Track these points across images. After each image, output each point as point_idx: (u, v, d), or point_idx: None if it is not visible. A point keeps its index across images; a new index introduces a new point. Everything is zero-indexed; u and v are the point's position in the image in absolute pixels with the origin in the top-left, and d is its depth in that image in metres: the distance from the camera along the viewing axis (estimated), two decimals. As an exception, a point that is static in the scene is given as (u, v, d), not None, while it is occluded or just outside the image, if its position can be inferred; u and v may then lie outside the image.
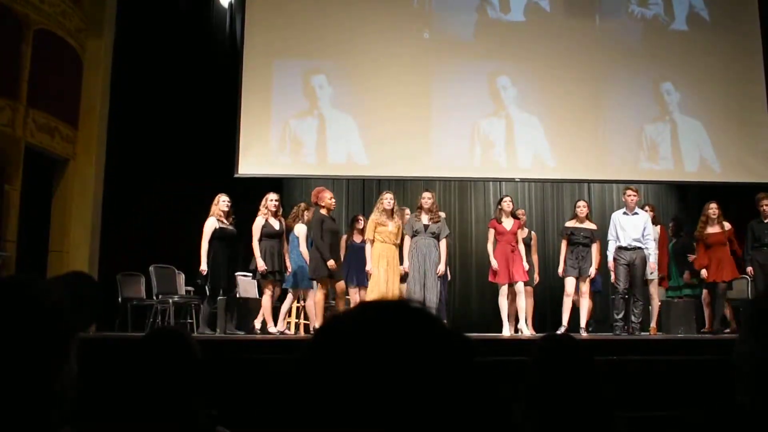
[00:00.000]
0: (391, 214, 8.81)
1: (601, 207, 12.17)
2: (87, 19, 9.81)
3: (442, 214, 9.25)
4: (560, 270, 9.23)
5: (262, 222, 8.69)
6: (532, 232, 10.17)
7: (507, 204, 9.26)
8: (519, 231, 9.29)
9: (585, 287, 9.16)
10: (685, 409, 5.61)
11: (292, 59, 10.84)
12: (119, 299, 9.28)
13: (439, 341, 0.91)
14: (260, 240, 8.65)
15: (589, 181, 11.91)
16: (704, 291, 9.61)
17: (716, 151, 10.99)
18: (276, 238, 8.68)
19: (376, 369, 0.87)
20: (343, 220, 10.94)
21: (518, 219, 9.48)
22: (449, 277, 9.29)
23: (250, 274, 8.91)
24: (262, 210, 8.75)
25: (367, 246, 8.77)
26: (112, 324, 9.10)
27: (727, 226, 9.30)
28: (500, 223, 9.22)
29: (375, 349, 0.88)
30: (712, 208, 9.27)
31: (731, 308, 9.65)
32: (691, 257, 10.02)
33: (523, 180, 11.47)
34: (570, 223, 9.41)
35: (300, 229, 9.05)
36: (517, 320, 9.23)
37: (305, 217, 9.09)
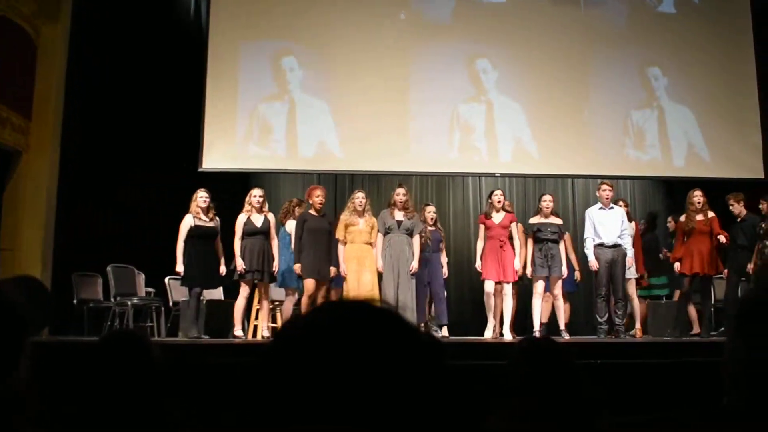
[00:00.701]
0: (362, 212, 8.78)
1: (585, 203, 11.94)
2: (42, 3, 9.56)
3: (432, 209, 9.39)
4: (528, 270, 9.06)
5: (244, 219, 8.67)
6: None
7: (497, 198, 9.15)
8: (514, 225, 9.15)
9: (557, 288, 9.05)
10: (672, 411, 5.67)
11: (261, 41, 10.68)
12: (74, 301, 9.14)
13: (403, 343, 0.91)
14: (242, 238, 8.64)
15: (573, 177, 11.79)
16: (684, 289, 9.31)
17: (705, 138, 10.95)
18: (259, 235, 8.62)
19: (334, 371, 0.86)
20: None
21: (510, 212, 9.33)
22: (446, 275, 9.27)
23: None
24: (246, 206, 8.74)
25: (340, 247, 8.74)
26: (67, 328, 8.91)
27: (711, 214, 9.12)
28: (489, 217, 9.14)
29: (333, 351, 0.87)
30: (697, 196, 9.10)
31: (696, 309, 9.50)
32: (667, 253, 10.11)
33: (503, 175, 11.38)
34: (534, 219, 9.23)
35: (291, 226, 9.04)
36: (501, 323, 9.09)
37: (296, 214, 9.11)
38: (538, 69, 10.89)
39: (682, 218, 9.23)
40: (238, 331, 8.55)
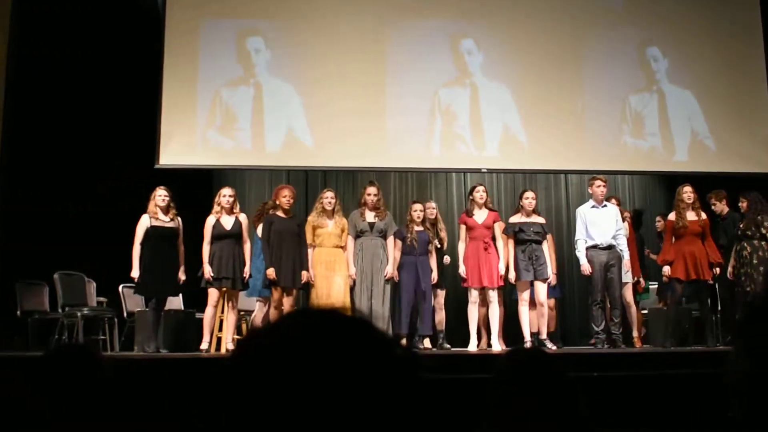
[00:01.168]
0: (331, 213, 8.86)
1: (580, 199, 12.01)
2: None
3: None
4: (511, 275, 8.99)
5: (213, 221, 8.72)
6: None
7: (480, 194, 9.15)
8: (497, 225, 9.13)
9: (543, 293, 9.01)
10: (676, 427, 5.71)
11: (224, 19, 10.59)
12: (18, 312, 9.10)
13: (373, 356, 0.91)
14: (211, 242, 8.67)
15: (567, 172, 11.87)
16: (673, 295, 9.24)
17: (710, 125, 10.93)
18: (229, 239, 8.66)
19: (297, 387, 0.86)
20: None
21: (494, 211, 9.35)
22: (435, 280, 9.21)
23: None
24: (215, 207, 8.78)
25: (309, 251, 8.77)
26: (10, 341, 8.90)
27: (703, 215, 9.14)
28: (471, 216, 9.14)
29: (297, 364, 0.87)
30: (687, 192, 9.10)
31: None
32: (651, 255, 10.14)
33: (491, 171, 11.37)
34: (515, 218, 9.21)
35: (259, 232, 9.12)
36: (489, 333, 9.16)
37: None
38: (527, 50, 10.83)
39: (671, 216, 9.21)
40: (204, 344, 8.58)
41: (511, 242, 9.05)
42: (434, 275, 9.29)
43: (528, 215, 9.13)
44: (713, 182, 10.21)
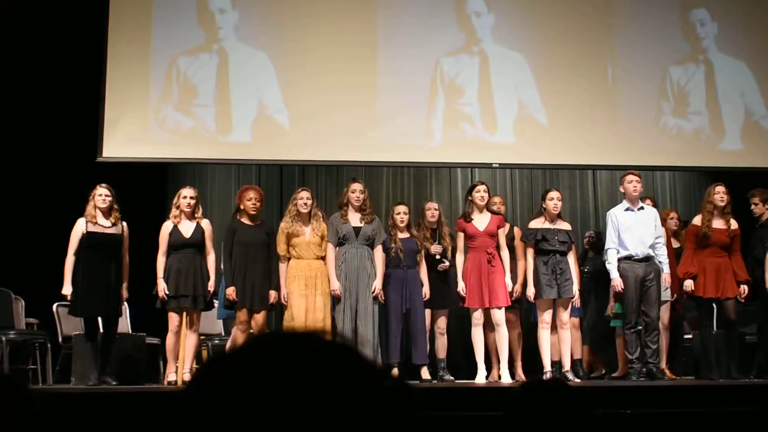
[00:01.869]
0: (308, 218, 8.71)
1: (609, 198, 11.95)
2: None
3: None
4: (530, 291, 8.86)
5: (170, 228, 8.61)
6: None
7: (480, 195, 8.97)
8: (501, 231, 9.00)
9: (566, 313, 8.91)
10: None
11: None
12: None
13: (356, 388, 0.90)
14: (167, 253, 8.59)
15: (594, 167, 11.65)
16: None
17: (767, 101, 10.83)
18: (188, 249, 8.58)
19: (261, 425, 0.86)
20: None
21: (498, 214, 9.20)
22: (427, 296, 9.04)
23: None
24: (173, 211, 8.67)
25: (281, 266, 8.67)
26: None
27: (734, 224, 9.03)
28: (470, 221, 8.99)
29: (265, 399, 0.87)
30: (720, 193, 8.99)
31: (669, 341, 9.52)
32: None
33: (502, 166, 11.13)
34: (536, 223, 9.03)
35: None
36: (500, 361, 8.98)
37: None
38: (546, 10, 10.77)
39: (696, 220, 9.09)
40: (171, 375, 8.51)
41: (530, 252, 8.94)
42: (425, 290, 9.09)
43: (552, 220, 8.94)
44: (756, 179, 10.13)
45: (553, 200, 8.97)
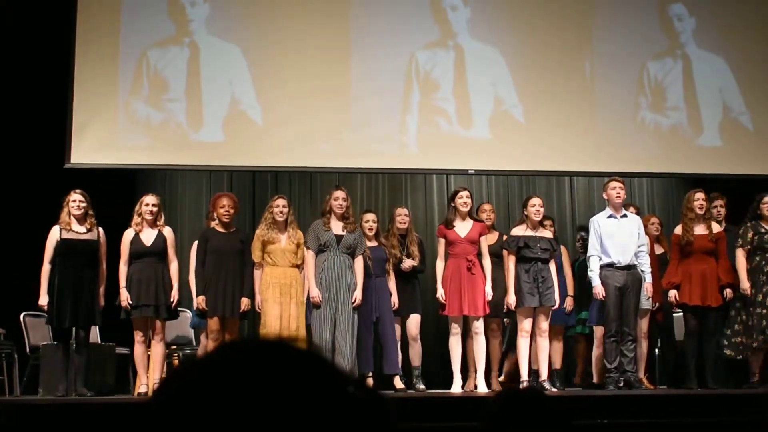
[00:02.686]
0: (284, 226, 8.64)
1: (587, 205, 11.95)
2: None
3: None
4: (511, 299, 8.81)
5: (131, 236, 8.52)
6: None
7: (463, 200, 8.87)
8: (483, 238, 8.92)
9: (545, 322, 8.87)
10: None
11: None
12: None
13: (324, 397, 0.89)
14: (129, 261, 8.50)
15: (572, 174, 11.57)
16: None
17: (747, 99, 10.81)
18: (150, 257, 8.51)
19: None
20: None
21: (480, 221, 9.13)
22: (396, 305, 9.04)
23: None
24: (135, 218, 8.56)
25: (256, 272, 8.60)
26: None
27: (716, 227, 9.05)
28: (452, 228, 8.90)
29: (231, 409, 0.86)
30: (699, 200, 8.99)
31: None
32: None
33: (478, 172, 11.08)
34: (518, 230, 8.97)
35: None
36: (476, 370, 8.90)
37: None
38: (524, 5, 10.76)
39: (678, 230, 9.12)
40: (142, 387, 8.44)
41: (511, 259, 8.88)
42: (394, 299, 9.07)
43: (534, 227, 8.91)
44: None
45: (535, 206, 8.91)
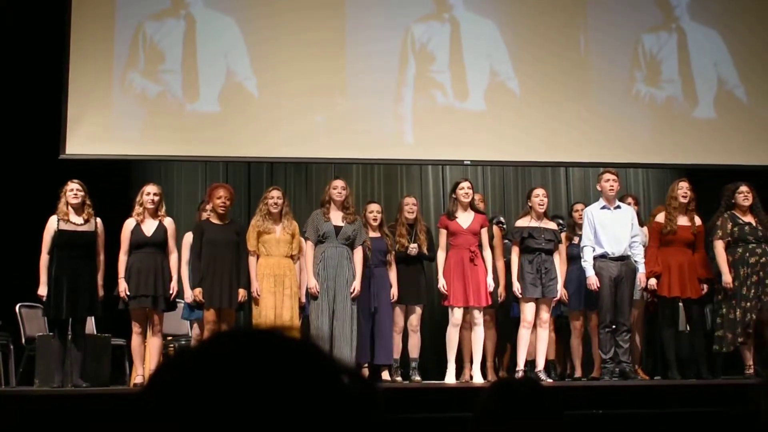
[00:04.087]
0: (279, 216, 8.61)
1: (583, 195, 11.77)
2: None
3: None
4: (516, 288, 8.84)
5: (132, 226, 8.45)
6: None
7: (464, 192, 8.88)
8: (484, 230, 8.92)
9: (547, 313, 8.88)
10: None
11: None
12: None
13: (317, 387, 0.91)
14: (129, 252, 8.44)
15: (565, 164, 11.52)
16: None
17: (740, 71, 10.80)
18: (150, 248, 8.45)
19: (217, 422, 0.87)
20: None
21: (481, 213, 9.12)
22: (395, 297, 9.07)
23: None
24: (136, 208, 8.49)
25: (251, 261, 8.57)
26: None
27: (698, 221, 8.99)
28: (453, 219, 8.90)
29: (224, 398, 0.87)
30: (683, 189, 8.94)
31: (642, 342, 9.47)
32: None
33: (474, 163, 10.99)
34: (523, 222, 8.98)
35: (188, 239, 8.91)
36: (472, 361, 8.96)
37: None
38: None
39: (660, 218, 9.06)
40: (138, 378, 8.41)
41: (515, 250, 8.91)
42: (394, 291, 9.07)
43: (539, 218, 8.92)
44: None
45: (539, 197, 8.96)
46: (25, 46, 10.17)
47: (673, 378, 8.75)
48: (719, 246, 8.86)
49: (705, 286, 8.93)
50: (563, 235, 9.47)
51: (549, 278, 8.80)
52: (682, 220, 8.91)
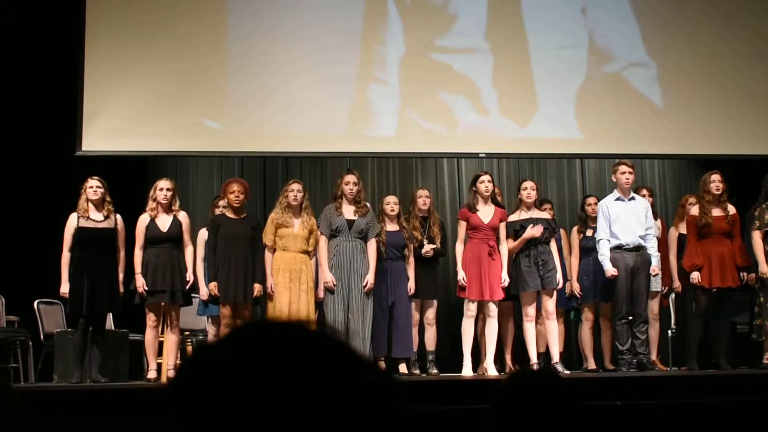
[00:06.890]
0: (299, 210, 8.52)
1: (598, 187, 11.69)
2: None
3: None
4: (505, 282, 8.71)
5: (147, 221, 8.38)
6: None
7: (485, 185, 8.73)
8: (503, 225, 8.77)
9: (551, 303, 8.72)
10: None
11: None
12: None
13: (339, 380, 0.90)
14: (144, 247, 8.39)
15: (580, 156, 11.50)
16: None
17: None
18: (166, 243, 8.38)
19: (244, 417, 0.86)
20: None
21: (501, 207, 8.97)
22: (412, 290, 9.02)
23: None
24: (150, 203, 8.42)
25: (267, 255, 8.46)
26: None
27: (732, 210, 8.89)
28: (474, 212, 8.77)
29: (247, 390, 0.87)
30: (715, 181, 8.83)
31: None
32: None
33: (489, 156, 10.97)
34: (515, 216, 8.84)
35: (203, 234, 8.87)
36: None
37: None
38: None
39: (695, 210, 8.96)
40: (151, 373, 8.34)
41: (510, 243, 8.82)
42: (411, 285, 8.96)
43: (529, 209, 8.82)
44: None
45: (527, 189, 8.82)
46: (40, 43, 10.12)
47: (692, 368, 8.64)
48: (756, 236, 8.79)
49: (744, 275, 8.86)
50: (575, 229, 9.48)
51: (547, 269, 8.66)
52: (716, 212, 8.85)
